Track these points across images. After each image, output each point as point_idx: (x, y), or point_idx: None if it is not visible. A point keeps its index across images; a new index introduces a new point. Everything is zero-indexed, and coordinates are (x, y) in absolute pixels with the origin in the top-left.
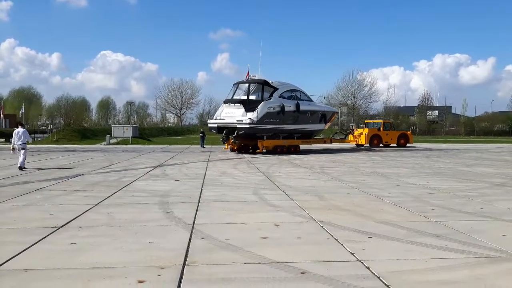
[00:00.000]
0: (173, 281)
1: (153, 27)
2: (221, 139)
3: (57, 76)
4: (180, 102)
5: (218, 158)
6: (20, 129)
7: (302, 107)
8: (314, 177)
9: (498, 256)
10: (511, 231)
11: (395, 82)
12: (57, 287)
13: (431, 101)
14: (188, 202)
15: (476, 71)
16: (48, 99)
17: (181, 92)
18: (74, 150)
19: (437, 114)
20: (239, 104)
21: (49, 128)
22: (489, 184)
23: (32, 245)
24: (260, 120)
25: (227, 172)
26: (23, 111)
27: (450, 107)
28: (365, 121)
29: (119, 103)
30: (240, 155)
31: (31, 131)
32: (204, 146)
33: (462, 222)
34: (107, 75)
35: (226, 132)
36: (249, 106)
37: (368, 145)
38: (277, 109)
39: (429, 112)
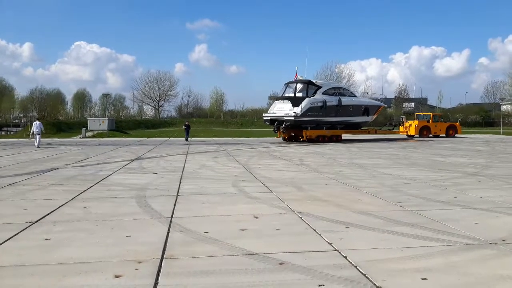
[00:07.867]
0: (151, 275)
1: (128, 17)
2: (273, 130)
3: (29, 68)
4: (158, 94)
5: (197, 151)
6: (37, 122)
7: (343, 102)
8: (293, 168)
9: (471, 244)
10: (483, 219)
11: (373, 74)
12: (31, 284)
13: (407, 93)
14: (166, 195)
15: (451, 63)
16: (21, 92)
17: (159, 84)
18: (49, 144)
19: (413, 106)
20: (288, 100)
21: (22, 121)
22: (463, 173)
23: (5, 241)
24: (304, 114)
25: (207, 164)
26: None
27: (426, 98)
28: (416, 113)
29: (95, 95)
30: (221, 148)
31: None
32: (189, 139)
33: (437, 211)
34: (82, 67)
35: (277, 123)
36: (295, 102)
37: (417, 136)
38: (320, 104)
39: (405, 104)
